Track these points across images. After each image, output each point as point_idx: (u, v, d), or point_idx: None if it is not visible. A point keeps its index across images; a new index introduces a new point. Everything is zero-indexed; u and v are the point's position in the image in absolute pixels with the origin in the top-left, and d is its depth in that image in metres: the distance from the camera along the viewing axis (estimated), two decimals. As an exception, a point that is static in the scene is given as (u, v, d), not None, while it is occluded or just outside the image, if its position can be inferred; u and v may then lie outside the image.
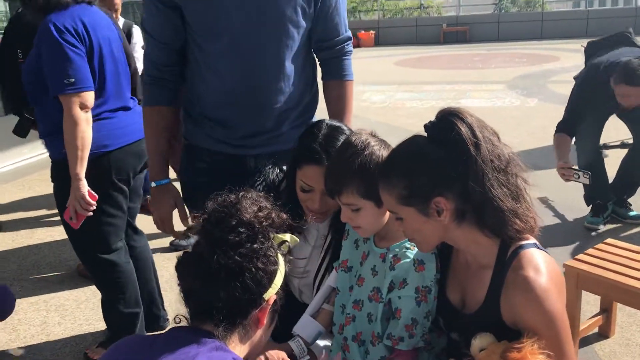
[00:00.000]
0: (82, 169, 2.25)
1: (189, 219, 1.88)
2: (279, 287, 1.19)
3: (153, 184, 1.92)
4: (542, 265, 1.27)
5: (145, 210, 3.92)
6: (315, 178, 1.60)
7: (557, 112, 7.38)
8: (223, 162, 1.88)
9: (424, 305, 1.43)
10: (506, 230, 1.29)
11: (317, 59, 2.00)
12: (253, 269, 1.12)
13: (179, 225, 1.96)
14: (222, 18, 1.73)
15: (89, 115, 2.29)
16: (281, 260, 1.20)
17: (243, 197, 1.19)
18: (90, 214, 2.31)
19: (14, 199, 4.15)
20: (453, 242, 1.38)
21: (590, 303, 2.91)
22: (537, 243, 1.33)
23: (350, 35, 1.99)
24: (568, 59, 12.51)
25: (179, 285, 1.17)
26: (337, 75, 1.98)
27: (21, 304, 3.35)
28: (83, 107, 2.25)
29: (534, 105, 8.11)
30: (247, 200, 1.19)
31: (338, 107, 1.96)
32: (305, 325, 1.65)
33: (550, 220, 4.17)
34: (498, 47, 16.01)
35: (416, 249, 1.46)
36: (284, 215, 1.25)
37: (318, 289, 1.76)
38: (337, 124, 1.69)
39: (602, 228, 3.97)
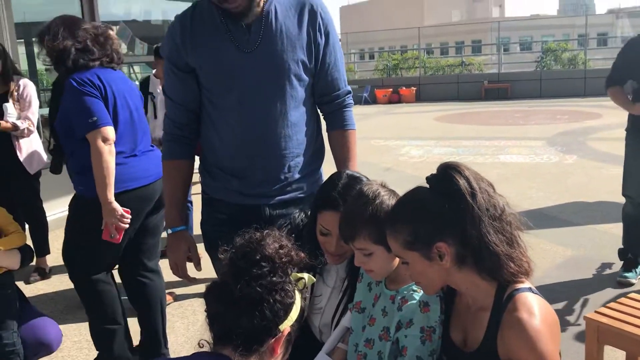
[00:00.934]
0: (111, 194, 2.65)
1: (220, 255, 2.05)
2: (295, 320, 1.32)
3: (169, 231, 2.09)
4: (536, 308, 1.37)
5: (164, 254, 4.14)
6: (332, 223, 1.75)
7: (596, 170, 7.46)
8: (240, 213, 2.03)
9: (429, 344, 1.54)
10: (502, 273, 1.40)
11: (320, 113, 2.19)
12: (271, 300, 1.27)
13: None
14: (232, 77, 1.95)
15: (112, 147, 2.68)
16: (298, 295, 1.35)
17: (267, 235, 1.36)
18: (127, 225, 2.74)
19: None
20: (455, 285, 1.50)
21: (617, 357, 2.91)
22: (532, 287, 1.44)
23: (350, 89, 2.18)
24: (610, 116, 12.44)
25: (205, 310, 1.33)
26: (339, 126, 2.15)
27: (65, 342, 3.54)
28: (105, 140, 2.65)
29: (572, 162, 8.11)
30: (270, 238, 1.35)
31: (342, 155, 2.12)
32: (321, 363, 1.78)
33: (583, 275, 4.17)
34: (539, 103, 16.06)
35: (422, 291, 1.58)
36: (302, 254, 1.40)
37: (334, 328, 1.88)
38: (357, 175, 1.85)
39: (635, 282, 3.96)
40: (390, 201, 1.61)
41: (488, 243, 1.38)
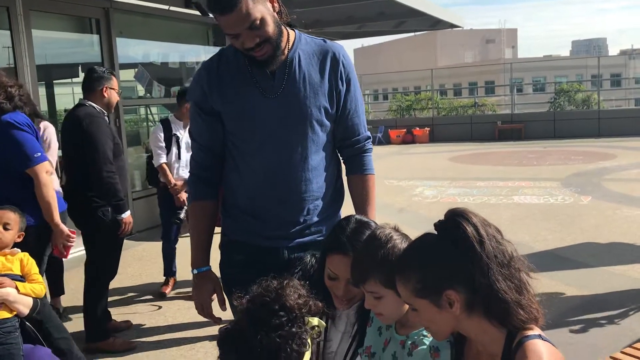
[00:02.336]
0: (58, 218, 3.24)
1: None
2: None
3: (195, 271, 2.12)
4: (544, 356, 1.37)
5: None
6: (340, 267, 1.77)
7: (611, 211, 7.41)
8: (258, 254, 2.06)
9: (439, 389, 1.54)
10: (511, 320, 1.41)
11: (340, 157, 2.23)
12: (288, 349, 1.30)
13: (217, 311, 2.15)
14: (255, 121, 2.01)
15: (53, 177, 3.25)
16: (309, 341, 1.37)
17: (286, 285, 1.38)
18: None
19: (78, 287, 4.47)
20: (464, 332, 1.50)
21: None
22: (542, 334, 1.44)
23: (369, 135, 2.23)
24: (625, 157, 12.41)
25: (219, 358, 1.34)
26: (358, 171, 2.20)
27: (77, 383, 3.55)
28: (48, 172, 3.18)
29: (587, 203, 8.07)
30: (289, 287, 1.38)
31: (362, 198, 2.16)
32: (332, 407, 1.77)
33: (598, 317, 4.12)
34: (553, 144, 16.05)
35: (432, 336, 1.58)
36: (320, 304, 1.43)
37: (346, 372, 1.88)
38: (365, 220, 1.88)
39: None
40: (402, 245, 1.63)
41: (497, 291, 1.39)
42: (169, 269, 5.25)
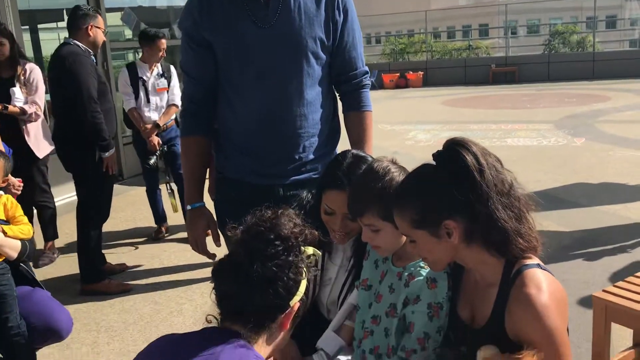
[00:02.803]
0: None
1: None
2: (303, 293, 1.32)
3: (188, 207, 2.09)
4: (544, 284, 1.36)
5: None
6: (337, 202, 1.74)
7: (604, 152, 7.40)
8: (253, 193, 2.02)
9: (436, 320, 1.54)
10: (510, 249, 1.39)
11: (337, 94, 2.17)
12: (285, 278, 1.27)
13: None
14: (248, 52, 1.93)
15: None
16: (305, 270, 1.34)
17: (281, 214, 1.35)
18: None
19: (72, 231, 4.46)
20: (462, 262, 1.49)
21: (625, 337, 2.90)
22: (540, 263, 1.43)
23: (367, 70, 2.15)
24: (619, 99, 12.35)
25: (213, 289, 1.32)
26: (356, 107, 2.13)
27: (75, 324, 3.54)
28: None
29: (580, 144, 8.06)
30: (284, 217, 1.34)
31: (358, 136, 2.11)
32: (328, 340, 1.78)
33: (590, 256, 4.17)
34: (547, 87, 15.94)
35: (429, 268, 1.57)
36: (316, 233, 1.40)
37: (340, 306, 1.88)
38: (362, 154, 1.84)
39: None
40: (400, 177, 1.60)
41: (497, 219, 1.37)
42: (157, 214, 5.22)
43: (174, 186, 5.01)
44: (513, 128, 9.68)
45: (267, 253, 1.27)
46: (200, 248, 2.09)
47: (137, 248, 4.97)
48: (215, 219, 2.13)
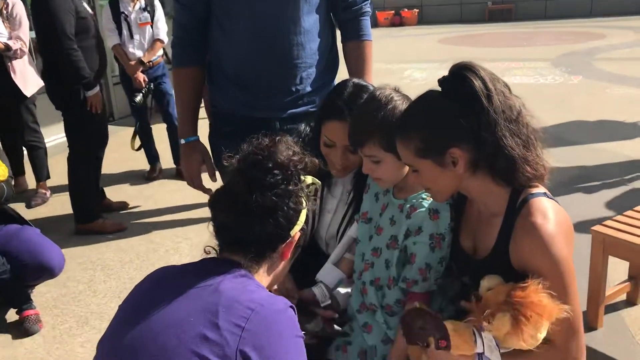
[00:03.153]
0: None
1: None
2: (303, 223, 1.29)
3: (182, 141, 2.03)
4: (550, 212, 1.33)
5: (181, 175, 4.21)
6: (337, 133, 1.68)
7: (601, 90, 7.32)
8: (248, 126, 1.94)
9: (438, 251, 1.51)
10: (517, 177, 1.35)
11: (335, 23, 2.08)
12: (285, 207, 1.22)
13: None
14: None
15: None
16: (305, 199, 1.30)
17: (278, 142, 1.29)
18: None
19: (64, 171, 4.41)
20: (467, 192, 1.45)
21: (619, 271, 2.92)
22: (547, 192, 1.39)
23: None
24: (616, 37, 12.16)
25: (211, 219, 1.28)
26: (355, 36, 2.05)
27: (70, 263, 3.56)
28: None
29: (577, 82, 7.97)
30: (282, 144, 1.29)
31: (358, 67, 2.03)
32: (327, 273, 1.76)
33: (586, 192, 4.17)
34: (544, 25, 15.65)
35: (431, 199, 1.53)
36: (316, 161, 1.35)
37: (340, 240, 1.86)
38: (363, 83, 1.76)
39: None
40: (404, 106, 1.53)
41: (503, 147, 1.31)
42: (149, 154, 5.15)
43: (162, 127, 4.92)
44: (510, 66, 9.53)
45: (266, 182, 1.22)
46: (196, 183, 2.04)
47: (130, 188, 4.93)
48: (211, 154, 2.08)
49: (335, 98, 1.71)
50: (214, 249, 1.29)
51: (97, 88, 3.80)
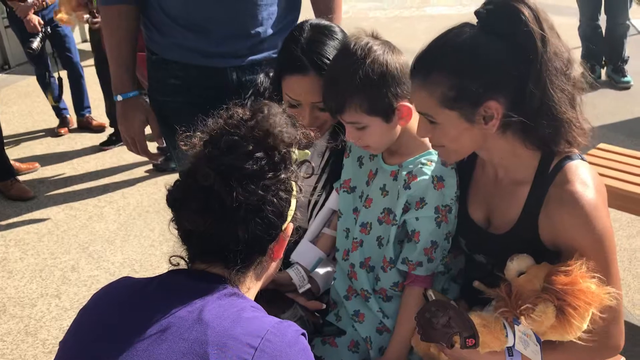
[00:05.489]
0: None
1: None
2: (294, 210, 1.00)
3: (119, 97, 1.68)
4: (590, 180, 1.11)
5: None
6: (300, 90, 1.39)
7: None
8: (200, 78, 1.64)
9: (445, 225, 1.28)
10: (559, 142, 1.11)
11: None
12: (275, 200, 0.93)
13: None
14: None
15: None
16: (296, 183, 1.01)
17: (259, 112, 0.97)
18: None
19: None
20: (487, 154, 1.20)
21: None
22: (582, 156, 1.17)
23: None
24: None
25: (175, 224, 0.96)
26: None
27: (-24, 241, 3.11)
28: None
29: (500, 11, 7.89)
30: (264, 115, 0.96)
31: (325, 5, 1.74)
32: (304, 252, 1.49)
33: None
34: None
35: (433, 164, 1.28)
36: (312, 133, 1.04)
37: (312, 211, 1.59)
38: (324, 23, 1.47)
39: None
40: (387, 56, 1.25)
41: (552, 106, 1.07)
42: (57, 107, 4.56)
43: (63, 73, 4.36)
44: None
45: (248, 172, 0.90)
46: (140, 147, 1.72)
47: (40, 146, 4.37)
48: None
49: (292, 46, 1.40)
50: (183, 258, 0.98)
51: None
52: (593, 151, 2.62)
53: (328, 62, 1.36)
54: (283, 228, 0.98)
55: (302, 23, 1.47)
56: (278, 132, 0.94)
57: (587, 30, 4.74)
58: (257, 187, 0.90)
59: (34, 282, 2.76)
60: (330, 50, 1.38)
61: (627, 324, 2.22)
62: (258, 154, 0.92)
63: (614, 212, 2.88)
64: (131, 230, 3.16)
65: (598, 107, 4.28)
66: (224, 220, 0.89)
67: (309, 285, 1.48)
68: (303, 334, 0.89)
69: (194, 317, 0.84)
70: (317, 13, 1.75)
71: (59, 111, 4.59)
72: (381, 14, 8.15)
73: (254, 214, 0.90)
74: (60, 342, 0.92)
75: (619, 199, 2.37)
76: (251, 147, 0.91)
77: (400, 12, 8.18)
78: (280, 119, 0.97)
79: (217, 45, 1.62)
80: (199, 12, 1.59)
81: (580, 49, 4.84)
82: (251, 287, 0.98)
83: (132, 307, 0.89)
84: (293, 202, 0.99)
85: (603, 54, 4.80)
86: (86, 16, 3.92)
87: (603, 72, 4.91)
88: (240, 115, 0.96)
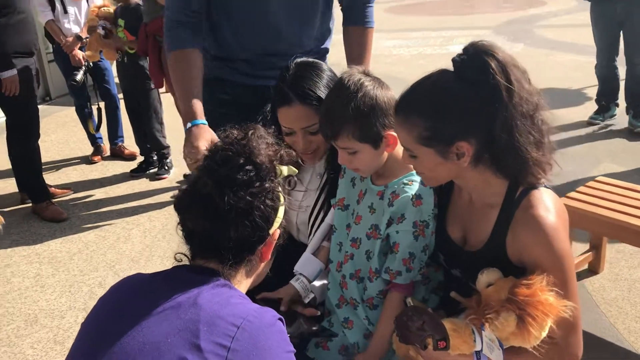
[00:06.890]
0: None
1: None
2: (282, 219, 1.18)
3: (189, 125, 1.75)
4: (552, 205, 1.25)
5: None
6: (290, 119, 1.59)
7: (544, 57, 7.41)
8: (246, 94, 1.92)
9: (422, 239, 1.43)
10: (524, 175, 1.26)
11: (340, 4, 2.05)
12: (262, 206, 1.11)
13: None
14: None
15: None
16: (282, 194, 1.19)
17: (250, 134, 1.16)
18: None
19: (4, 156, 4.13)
20: (462, 181, 1.35)
21: (582, 240, 2.95)
22: (545, 181, 1.31)
23: None
24: (556, 4, 12.35)
25: (179, 225, 1.15)
26: (358, 22, 2.03)
27: (13, 257, 3.34)
28: None
29: (519, 50, 8.04)
30: (254, 136, 1.15)
31: (358, 52, 2.00)
32: (306, 263, 1.65)
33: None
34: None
35: (414, 184, 1.45)
36: (293, 153, 1.23)
37: (312, 226, 1.75)
38: (310, 60, 1.67)
39: (600, 124, 4.85)
40: (375, 92, 1.42)
41: (517, 148, 1.21)
42: (92, 136, 4.87)
43: (102, 104, 4.66)
44: (453, 35, 9.54)
45: (239, 181, 1.09)
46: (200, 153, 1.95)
47: (75, 173, 4.66)
48: None
49: (280, 83, 1.62)
50: (185, 255, 1.16)
51: (14, 70, 3.49)
52: (591, 183, 2.74)
53: (311, 92, 1.56)
54: (270, 232, 1.15)
55: (290, 62, 1.67)
56: (263, 149, 1.13)
57: (604, 71, 4.77)
58: (246, 194, 1.08)
59: (64, 297, 2.96)
60: (314, 81, 1.58)
61: (620, 349, 2.33)
62: (248, 167, 1.11)
63: (617, 245, 2.99)
64: (155, 251, 3.36)
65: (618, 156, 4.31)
66: (218, 221, 1.08)
67: (312, 295, 1.64)
68: (280, 319, 1.06)
69: (191, 302, 1.02)
70: (349, 60, 2.01)
71: (94, 140, 4.89)
72: (404, 52, 8.40)
73: (244, 217, 1.08)
74: (82, 324, 1.10)
75: (619, 231, 2.46)
76: (242, 161, 1.11)
77: (423, 50, 8.42)
78: (266, 139, 1.17)
79: (263, 71, 1.94)
80: (252, 56, 1.93)
81: (597, 87, 4.92)
82: (242, 281, 1.15)
83: (141, 294, 1.07)
84: (280, 210, 1.17)
85: (625, 98, 4.71)
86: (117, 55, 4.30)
87: (617, 110, 4.89)
88: (234, 135, 1.16)
